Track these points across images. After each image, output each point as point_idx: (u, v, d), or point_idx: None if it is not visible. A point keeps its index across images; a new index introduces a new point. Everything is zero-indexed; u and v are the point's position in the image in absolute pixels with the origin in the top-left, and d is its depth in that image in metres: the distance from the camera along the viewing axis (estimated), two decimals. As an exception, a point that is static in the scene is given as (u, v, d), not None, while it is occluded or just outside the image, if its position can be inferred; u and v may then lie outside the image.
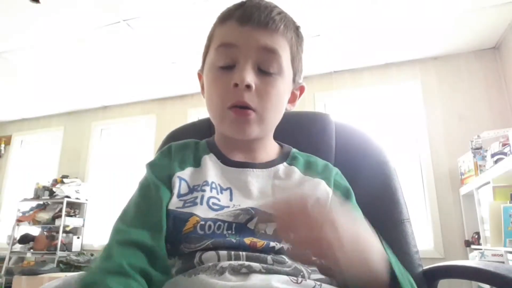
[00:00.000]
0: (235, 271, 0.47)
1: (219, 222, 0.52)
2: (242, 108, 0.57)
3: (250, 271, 0.48)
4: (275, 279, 0.47)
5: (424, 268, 0.70)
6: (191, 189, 0.57)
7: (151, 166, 0.61)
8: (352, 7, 2.46)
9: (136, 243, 0.49)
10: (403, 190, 0.76)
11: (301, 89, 0.67)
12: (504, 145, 2.12)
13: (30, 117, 4.67)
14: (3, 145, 4.69)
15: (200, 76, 0.67)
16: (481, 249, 2.23)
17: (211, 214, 0.53)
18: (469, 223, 2.66)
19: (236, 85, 0.55)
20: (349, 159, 0.76)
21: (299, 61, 0.63)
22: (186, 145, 0.66)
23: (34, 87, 3.76)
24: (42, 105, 4.27)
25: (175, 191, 0.56)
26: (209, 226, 0.52)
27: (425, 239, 2.88)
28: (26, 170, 4.60)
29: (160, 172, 0.59)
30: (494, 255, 2.02)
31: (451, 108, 3.01)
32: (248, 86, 0.55)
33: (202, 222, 0.52)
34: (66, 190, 3.77)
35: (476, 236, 2.51)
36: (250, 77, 0.55)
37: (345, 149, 0.78)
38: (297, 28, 0.63)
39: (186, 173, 0.59)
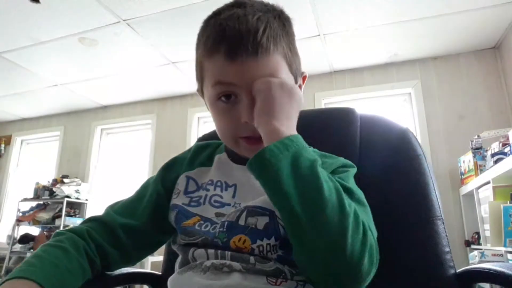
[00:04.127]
0: (217, 269, 0.51)
1: (215, 224, 0.56)
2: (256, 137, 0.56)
3: (231, 270, 0.50)
4: (251, 279, 0.49)
5: (459, 270, 0.63)
6: (199, 187, 0.63)
7: (164, 169, 0.69)
8: (353, 7, 2.46)
9: (104, 222, 0.61)
10: (436, 186, 0.69)
11: (304, 78, 0.64)
12: (504, 145, 2.12)
13: (30, 117, 4.67)
14: (3, 145, 4.69)
15: (200, 95, 0.65)
16: (481, 249, 2.23)
17: (211, 213, 0.58)
18: (469, 223, 2.66)
19: (246, 122, 0.53)
20: (375, 155, 0.70)
21: (295, 59, 0.59)
22: (208, 145, 0.71)
23: (34, 87, 3.76)
24: (42, 105, 4.27)
25: (181, 188, 0.63)
26: (206, 225, 0.57)
27: (425, 239, 2.88)
28: (26, 170, 4.61)
29: (169, 175, 0.67)
30: (494, 255, 2.02)
31: (451, 108, 3.01)
32: None
33: (202, 221, 0.57)
34: (66, 190, 3.77)
35: (476, 236, 2.51)
36: None
37: (371, 145, 0.72)
38: (284, 25, 0.57)
39: (194, 172, 0.65)
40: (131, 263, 0.64)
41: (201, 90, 0.63)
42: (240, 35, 0.51)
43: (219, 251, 0.53)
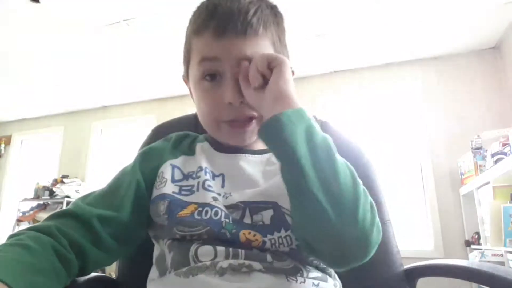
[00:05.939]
0: (236, 270, 0.47)
1: (216, 208, 0.52)
2: (240, 120, 0.56)
3: (251, 270, 0.47)
4: (275, 279, 0.47)
5: (406, 267, 0.72)
6: (186, 176, 0.58)
7: (141, 157, 0.63)
8: (353, 7, 2.46)
9: (76, 215, 0.51)
10: (385, 192, 0.75)
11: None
12: (504, 145, 2.12)
13: (30, 117, 4.67)
14: (3, 145, 4.69)
15: (185, 81, 0.66)
16: (481, 249, 2.23)
17: (209, 198, 0.53)
18: (469, 223, 2.66)
19: (229, 103, 0.54)
20: None
21: (284, 51, 0.61)
22: (187, 135, 0.68)
23: (34, 87, 3.76)
24: (42, 105, 4.27)
25: (168, 177, 0.57)
26: (206, 212, 0.51)
27: (425, 239, 2.88)
28: (26, 170, 4.61)
29: (148, 163, 0.60)
30: (494, 255, 2.02)
31: (451, 108, 3.01)
32: (242, 102, 0.54)
33: (200, 208, 0.52)
34: (66, 190, 3.77)
35: (476, 236, 2.51)
36: (241, 92, 0.54)
37: None
38: (275, 15, 0.59)
39: (179, 161, 0.60)
40: (109, 262, 0.55)
41: (186, 75, 0.63)
42: (231, 13, 0.53)
43: (230, 249, 0.49)
